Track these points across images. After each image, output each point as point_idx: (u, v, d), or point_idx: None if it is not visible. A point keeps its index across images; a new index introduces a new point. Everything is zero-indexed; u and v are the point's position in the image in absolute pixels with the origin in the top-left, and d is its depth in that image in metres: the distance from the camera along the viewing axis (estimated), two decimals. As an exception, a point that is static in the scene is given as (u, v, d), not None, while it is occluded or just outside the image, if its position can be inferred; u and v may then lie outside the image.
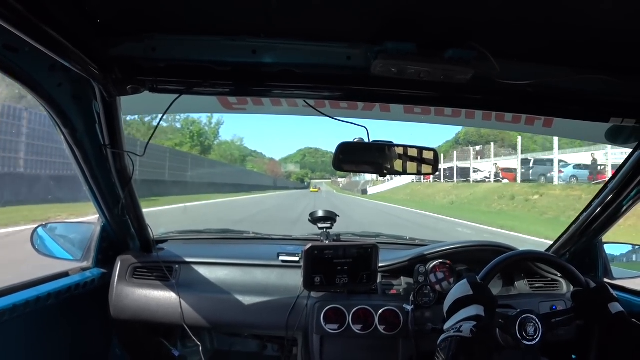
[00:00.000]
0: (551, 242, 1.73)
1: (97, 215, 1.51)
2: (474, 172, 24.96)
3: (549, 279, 1.68)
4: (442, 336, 1.10)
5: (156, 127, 2.13)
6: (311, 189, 59.09)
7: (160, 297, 1.55)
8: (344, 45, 0.95)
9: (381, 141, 1.19)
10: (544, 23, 0.82)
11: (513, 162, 21.37)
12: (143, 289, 1.56)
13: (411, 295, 1.52)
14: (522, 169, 19.23)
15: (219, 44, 0.94)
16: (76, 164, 1.22)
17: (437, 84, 0.96)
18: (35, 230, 1.59)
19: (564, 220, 10.19)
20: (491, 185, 21.52)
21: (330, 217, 1.57)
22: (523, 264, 1.67)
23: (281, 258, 1.65)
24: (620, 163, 1.31)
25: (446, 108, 1.52)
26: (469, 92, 1.07)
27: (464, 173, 25.71)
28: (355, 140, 1.18)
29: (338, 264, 1.42)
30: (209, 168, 29.13)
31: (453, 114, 1.57)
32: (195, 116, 36.79)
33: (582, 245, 1.60)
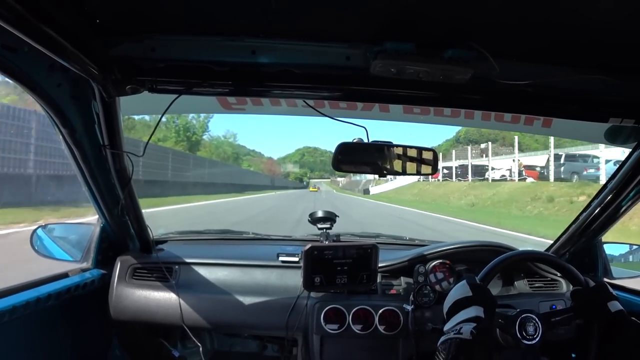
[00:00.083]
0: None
1: (97, 216, 1.51)
2: (487, 169, 23.25)
3: (549, 278, 1.68)
4: (442, 338, 1.10)
5: (155, 127, 2.15)
6: (310, 189, 58.69)
7: (160, 298, 1.55)
8: (343, 45, 0.95)
9: (380, 141, 1.19)
10: (543, 23, 0.82)
11: (533, 159, 19.81)
12: (143, 290, 1.56)
13: (411, 295, 1.52)
14: (548, 166, 17.27)
15: (218, 44, 0.94)
16: (75, 165, 1.22)
17: (437, 84, 0.96)
18: (34, 231, 1.59)
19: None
20: (515, 184, 19.45)
21: (330, 218, 1.57)
22: (522, 264, 1.67)
23: (281, 258, 1.65)
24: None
25: (445, 108, 1.52)
26: (468, 92, 1.07)
27: (478, 171, 24.28)
28: (355, 141, 1.18)
29: (338, 264, 1.42)
30: (195, 166, 26.22)
31: (452, 114, 1.57)
32: (183, 109, 35.16)
33: (581, 245, 1.60)
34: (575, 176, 16.29)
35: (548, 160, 17.49)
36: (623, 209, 1.37)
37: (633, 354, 1.12)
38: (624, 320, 1.15)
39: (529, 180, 19.02)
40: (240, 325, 1.59)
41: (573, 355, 1.44)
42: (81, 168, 1.22)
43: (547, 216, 13.02)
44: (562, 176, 16.57)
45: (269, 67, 0.97)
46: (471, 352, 1.04)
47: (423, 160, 1.24)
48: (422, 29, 0.87)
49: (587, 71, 0.98)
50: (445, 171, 28.55)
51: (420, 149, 1.24)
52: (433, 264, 1.60)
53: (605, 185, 1.38)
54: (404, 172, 1.22)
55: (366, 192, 42.02)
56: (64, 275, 1.46)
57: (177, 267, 1.62)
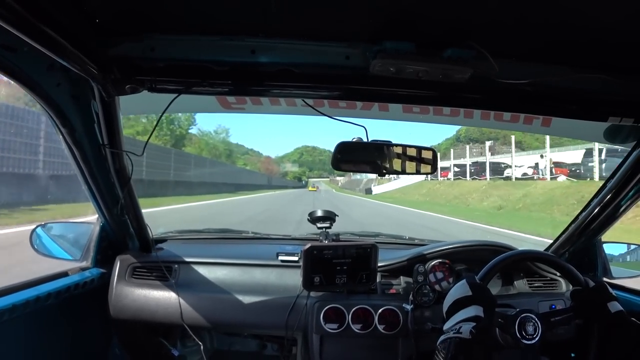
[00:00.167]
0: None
1: (96, 215, 1.51)
2: (505, 167, 21.46)
3: (548, 278, 1.68)
4: (442, 337, 1.10)
5: (154, 127, 2.15)
6: (309, 188, 58.09)
7: (159, 297, 1.55)
8: (342, 44, 0.95)
9: (380, 140, 1.19)
10: (542, 22, 0.82)
11: (562, 155, 17.70)
12: (142, 289, 1.56)
13: (410, 295, 1.52)
14: (584, 162, 15.61)
15: (217, 44, 0.94)
16: (75, 164, 1.22)
17: (436, 83, 0.96)
18: (34, 230, 1.59)
19: None
20: (548, 183, 17.22)
21: (329, 217, 1.57)
22: (522, 263, 1.67)
23: (280, 258, 1.65)
24: None
25: (445, 107, 1.52)
26: (468, 91, 1.07)
27: (493, 168, 22.69)
28: (354, 140, 1.18)
29: (337, 264, 1.42)
30: (179, 163, 23.49)
31: (451, 113, 1.57)
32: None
33: (581, 244, 1.60)
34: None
35: (587, 155, 15.91)
36: (622, 208, 1.37)
37: (632, 354, 1.12)
38: (623, 320, 1.15)
39: (561, 178, 17.28)
40: (240, 324, 1.59)
41: (572, 355, 1.44)
42: (81, 167, 1.22)
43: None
44: (604, 174, 14.58)
45: (268, 66, 0.97)
46: (470, 352, 1.04)
47: (422, 160, 1.25)
48: (421, 28, 0.87)
49: (586, 70, 0.98)
50: (457, 169, 27.32)
51: (419, 148, 1.24)
52: (432, 263, 1.60)
53: (604, 185, 1.38)
54: (403, 172, 1.22)
55: (368, 191, 40.25)
56: (64, 274, 1.46)
57: (176, 266, 1.62)
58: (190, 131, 37.51)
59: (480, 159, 24.50)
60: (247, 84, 1.05)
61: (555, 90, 1.04)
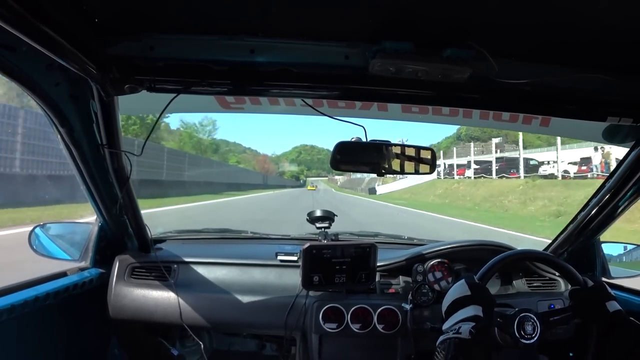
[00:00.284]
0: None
1: (95, 215, 1.51)
2: (539, 164, 18.92)
3: (547, 277, 1.68)
4: (441, 338, 1.10)
5: (153, 126, 2.12)
6: (308, 187, 57.19)
7: (158, 297, 1.54)
8: (341, 44, 0.95)
9: (379, 140, 1.19)
10: (541, 23, 0.82)
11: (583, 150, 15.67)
12: (141, 289, 1.56)
13: (409, 294, 1.52)
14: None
15: (216, 43, 0.94)
16: (73, 164, 1.22)
17: (435, 83, 0.96)
18: (33, 230, 1.59)
19: None
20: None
21: (328, 217, 1.57)
22: (521, 263, 1.67)
23: (279, 257, 1.65)
24: None
25: (444, 107, 1.52)
26: (467, 91, 1.07)
27: (512, 164, 20.55)
28: (353, 140, 1.18)
29: (336, 264, 1.42)
30: (152, 159, 18.86)
31: (451, 113, 1.57)
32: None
33: (579, 244, 1.60)
34: None
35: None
36: (621, 208, 1.37)
37: (631, 353, 1.12)
38: (622, 320, 1.15)
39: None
40: (239, 324, 1.59)
41: (571, 354, 1.44)
42: (79, 167, 1.22)
43: None
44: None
45: (267, 66, 0.97)
46: (470, 352, 1.04)
47: (421, 160, 1.25)
48: (420, 28, 0.87)
49: (586, 70, 0.99)
50: (476, 166, 24.91)
51: (418, 148, 1.24)
52: (431, 263, 1.60)
53: (603, 184, 1.38)
54: (402, 171, 1.23)
55: (372, 191, 37.12)
56: (63, 274, 1.46)
57: (175, 266, 1.62)
58: (166, 121, 33.43)
59: (507, 154, 21.82)
60: (246, 84, 1.05)
61: (555, 90, 1.04)
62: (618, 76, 0.99)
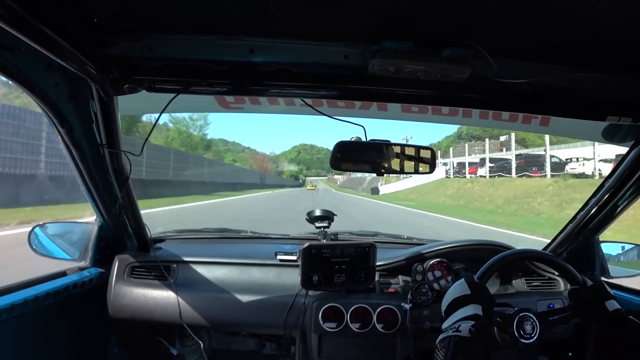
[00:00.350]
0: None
1: (95, 215, 1.51)
2: (566, 161, 16.80)
3: (546, 277, 1.68)
4: (441, 336, 1.10)
5: (153, 126, 2.13)
6: (307, 187, 56.57)
7: (158, 297, 1.55)
8: (341, 44, 0.95)
9: (378, 140, 1.19)
10: (541, 22, 0.82)
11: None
12: (141, 288, 1.56)
13: (409, 294, 1.52)
14: None
15: (216, 43, 0.94)
16: (73, 164, 1.22)
17: (435, 82, 0.96)
18: (32, 230, 1.59)
19: None
20: None
21: (328, 217, 1.57)
22: (520, 262, 1.68)
23: (279, 257, 1.66)
24: None
25: (443, 107, 1.52)
26: (467, 91, 1.07)
27: (534, 162, 18.83)
28: (353, 139, 1.19)
29: (336, 263, 1.42)
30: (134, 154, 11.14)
31: (450, 112, 1.57)
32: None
33: (579, 244, 1.60)
34: None
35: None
36: (620, 207, 1.37)
37: (630, 352, 1.12)
38: (621, 319, 1.15)
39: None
40: (239, 323, 1.59)
41: (570, 354, 1.44)
42: (79, 167, 1.22)
43: None
44: None
45: (267, 66, 0.97)
46: (469, 350, 1.04)
47: (421, 159, 1.25)
48: (420, 28, 0.87)
49: (585, 70, 0.99)
50: (492, 164, 22.98)
51: (418, 148, 1.24)
52: (431, 262, 1.60)
53: (602, 184, 1.38)
54: (402, 171, 1.23)
55: (375, 191, 34.89)
56: (62, 274, 1.46)
57: (175, 265, 1.62)
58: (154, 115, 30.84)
59: (529, 151, 19.74)
60: (246, 84, 1.05)
61: (554, 89, 1.04)
62: (617, 75, 0.99)
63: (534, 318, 1.10)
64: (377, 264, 1.53)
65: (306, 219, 1.61)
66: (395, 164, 1.22)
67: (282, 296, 1.55)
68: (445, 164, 29.58)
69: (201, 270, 1.63)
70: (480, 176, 23.40)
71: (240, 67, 0.97)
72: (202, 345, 1.64)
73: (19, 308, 1.18)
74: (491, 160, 23.38)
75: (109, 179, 1.28)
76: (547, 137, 18.78)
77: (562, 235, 1.62)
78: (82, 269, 1.54)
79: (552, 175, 17.22)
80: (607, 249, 1.67)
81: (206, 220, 10.39)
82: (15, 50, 0.80)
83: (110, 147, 1.17)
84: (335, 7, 0.82)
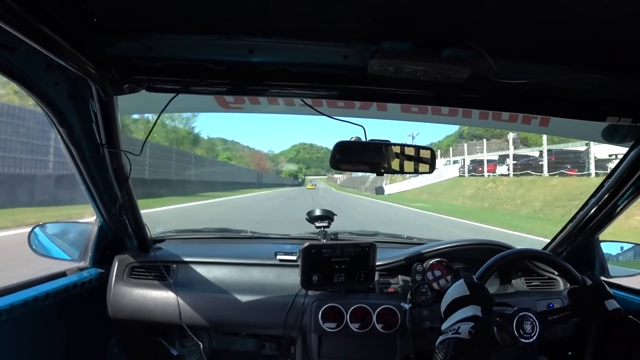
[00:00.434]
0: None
1: (95, 215, 1.51)
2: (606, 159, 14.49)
3: (546, 277, 1.68)
4: (440, 338, 1.10)
5: (152, 126, 2.13)
6: (307, 186, 56.14)
7: (157, 297, 1.55)
8: (340, 44, 0.95)
9: (378, 140, 1.19)
10: (540, 22, 0.82)
11: None
12: (141, 289, 1.56)
13: (409, 294, 1.52)
14: None
15: (215, 43, 0.94)
16: (73, 164, 1.22)
17: (434, 83, 0.96)
18: (32, 230, 1.59)
19: None
20: None
21: (328, 216, 1.57)
22: (520, 262, 1.67)
23: (279, 257, 1.65)
24: None
25: (443, 107, 1.53)
26: (466, 91, 1.07)
27: (568, 159, 16.56)
28: (352, 139, 1.19)
29: (335, 263, 1.42)
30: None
31: (450, 112, 1.57)
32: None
33: (578, 243, 1.60)
34: None
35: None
36: (620, 207, 1.37)
37: (630, 352, 1.12)
38: (620, 318, 1.15)
39: None
40: (238, 323, 1.59)
41: (570, 353, 1.44)
42: (79, 167, 1.22)
43: None
44: None
45: (266, 66, 0.97)
46: (469, 352, 1.04)
47: (421, 159, 1.26)
48: (419, 28, 0.87)
49: (585, 70, 0.99)
50: (515, 161, 20.32)
51: (417, 148, 1.25)
52: (430, 262, 1.60)
53: (602, 184, 1.38)
54: (401, 171, 1.23)
55: (379, 191, 31.84)
56: (62, 274, 1.46)
57: (174, 265, 1.62)
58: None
59: (562, 147, 17.05)
60: (245, 84, 1.05)
61: (554, 90, 1.04)
62: (617, 76, 0.99)
63: (534, 317, 1.10)
64: (377, 263, 1.53)
65: (306, 218, 1.60)
66: (395, 164, 1.22)
67: (281, 296, 1.55)
68: (456, 162, 28.07)
69: (201, 270, 1.63)
70: (502, 175, 20.64)
71: (239, 67, 0.97)
72: (201, 345, 1.64)
73: (18, 309, 1.18)
74: (518, 156, 20.69)
75: (108, 178, 1.28)
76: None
77: (562, 234, 1.62)
78: (81, 269, 1.54)
79: (596, 174, 15.03)
80: (607, 248, 1.67)
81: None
82: (15, 50, 0.80)
83: (110, 147, 1.17)
84: (334, 7, 0.82)
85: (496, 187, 18.70)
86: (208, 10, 0.84)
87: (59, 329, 1.39)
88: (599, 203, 1.40)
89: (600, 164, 15.17)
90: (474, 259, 1.55)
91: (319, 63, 0.96)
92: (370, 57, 0.89)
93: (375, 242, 1.49)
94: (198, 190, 22.42)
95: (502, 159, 22.15)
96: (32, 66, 0.89)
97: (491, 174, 21.67)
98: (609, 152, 14.70)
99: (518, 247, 1.51)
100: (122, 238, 1.59)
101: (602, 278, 1.57)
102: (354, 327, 1.47)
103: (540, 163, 18.03)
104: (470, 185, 20.57)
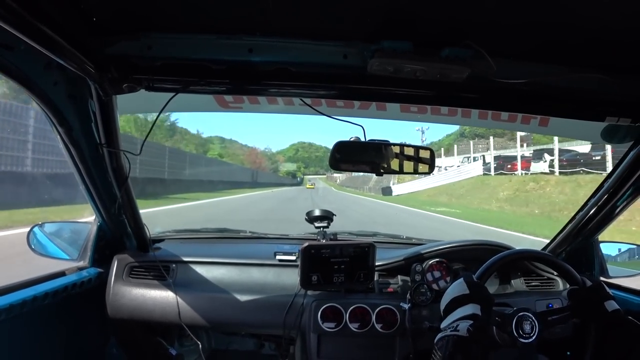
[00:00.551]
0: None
1: (94, 215, 1.50)
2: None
3: (545, 277, 1.69)
4: (439, 335, 1.10)
5: (152, 126, 2.14)
6: (306, 186, 55.04)
7: (157, 296, 1.54)
8: (340, 43, 0.95)
9: (378, 140, 1.19)
10: (540, 22, 0.82)
11: None
12: (140, 288, 1.56)
13: (408, 294, 1.52)
14: None
15: (214, 43, 0.94)
16: (72, 163, 1.22)
17: (434, 82, 0.96)
18: (31, 229, 1.59)
19: None
20: None
21: (327, 217, 1.57)
22: (519, 262, 1.68)
23: (278, 257, 1.65)
24: None
25: (442, 107, 1.53)
26: (465, 91, 1.07)
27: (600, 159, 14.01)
28: (352, 139, 1.19)
29: (335, 263, 1.42)
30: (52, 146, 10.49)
31: (449, 112, 1.57)
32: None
33: (578, 244, 1.60)
34: None
35: None
36: (619, 208, 1.37)
37: (629, 352, 1.12)
38: (620, 319, 1.15)
39: None
40: (238, 323, 1.59)
41: (569, 353, 1.44)
42: (78, 167, 1.22)
43: None
44: None
45: (265, 65, 0.97)
46: (468, 350, 1.04)
47: (420, 159, 1.25)
48: (419, 27, 0.87)
49: (584, 70, 0.99)
50: (551, 157, 17.32)
51: (417, 148, 1.25)
52: (430, 262, 1.60)
53: (601, 184, 1.38)
54: (401, 171, 1.23)
55: (386, 191, 28.38)
56: (61, 274, 1.45)
57: (174, 265, 1.62)
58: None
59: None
60: (245, 83, 1.04)
61: (553, 89, 1.04)
62: (616, 76, 0.99)
63: (533, 318, 1.10)
64: (376, 264, 1.52)
65: (305, 219, 1.60)
66: (394, 164, 1.22)
67: (281, 296, 1.55)
68: (475, 159, 25.56)
69: (200, 270, 1.63)
70: (543, 173, 17.39)
71: (239, 66, 0.97)
72: (200, 345, 1.64)
73: (17, 308, 1.18)
74: (566, 150, 17.21)
75: (108, 178, 1.28)
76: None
77: (561, 235, 1.62)
78: (81, 268, 1.54)
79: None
80: (606, 249, 1.67)
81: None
82: (15, 49, 0.80)
83: (109, 147, 1.17)
84: (334, 7, 0.82)
85: (541, 188, 15.68)
86: (207, 9, 0.84)
87: (58, 329, 1.39)
88: (599, 204, 1.40)
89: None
90: (473, 259, 1.55)
91: (318, 62, 0.96)
92: (370, 56, 0.89)
93: (375, 242, 1.49)
94: (175, 191, 18.22)
95: (539, 155, 19.01)
96: (31, 65, 0.89)
97: (524, 172, 18.84)
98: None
99: (518, 248, 1.51)
100: (121, 238, 1.59)
101: (602, 279, 1.58)
102: (353, 327, 1.47)
103: (595, 159, 14.99)
104: (503, 185, 17.51)
